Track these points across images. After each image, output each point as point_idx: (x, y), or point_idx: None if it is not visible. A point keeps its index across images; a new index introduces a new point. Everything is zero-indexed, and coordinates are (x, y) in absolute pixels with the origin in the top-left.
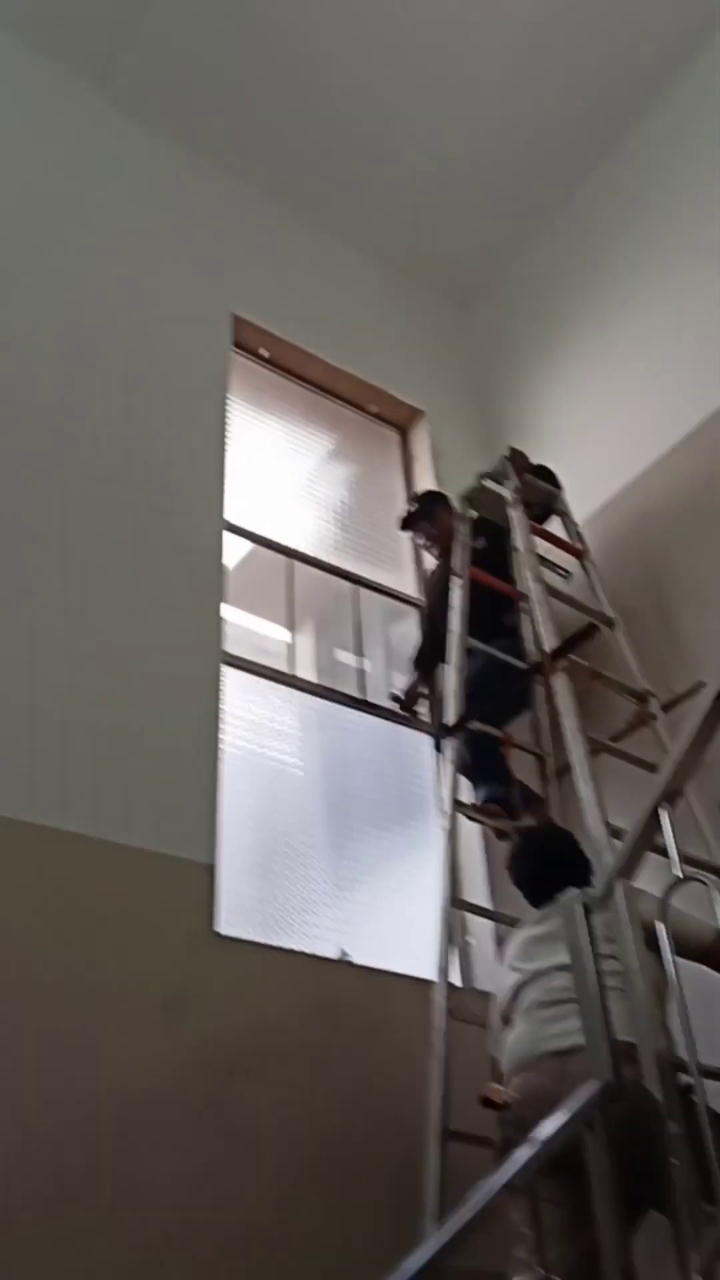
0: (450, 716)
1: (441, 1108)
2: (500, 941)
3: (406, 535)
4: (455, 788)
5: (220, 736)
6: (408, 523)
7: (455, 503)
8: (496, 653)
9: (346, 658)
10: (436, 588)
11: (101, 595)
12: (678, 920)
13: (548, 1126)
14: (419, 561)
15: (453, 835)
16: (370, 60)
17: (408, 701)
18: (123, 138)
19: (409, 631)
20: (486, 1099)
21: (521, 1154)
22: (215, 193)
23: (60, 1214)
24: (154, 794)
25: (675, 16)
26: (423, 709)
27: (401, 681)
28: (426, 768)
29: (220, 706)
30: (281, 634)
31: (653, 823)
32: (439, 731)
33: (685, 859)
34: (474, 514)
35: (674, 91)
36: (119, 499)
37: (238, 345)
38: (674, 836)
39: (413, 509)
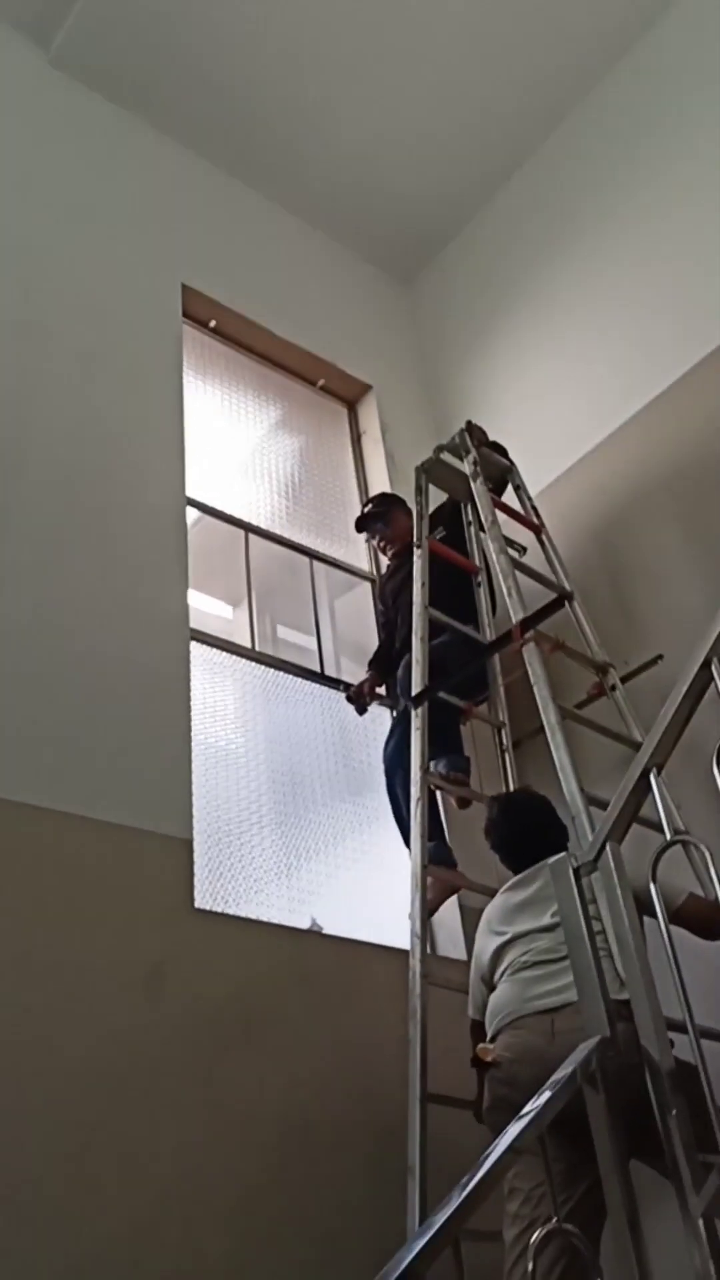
0: (416, 686)
1: (420, 1071)
2: (463, 910)
3: (361, 536)
4: (425, 757)
5: (192, 712)
6: (363, 524)
7: (412, 475)
8: (459, 626)
9: (287, 633)
10: (389, 591)
11: (68, 572)
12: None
13: (549, 1085)
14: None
15: (423, 803)
16: (317, 35)
17: (359, 698)
18: (68, 100)
19: (356, 602)
20: (476, 1059)
21: (524, 1114)
22: (162, 160)
23: (53, 1187)
24: (130, 770)
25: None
26: (373, 708)
27: (347, 664)
28: (380, 742)
29: (190, 682)
30: (221, 609)
31: (641, 787)
32: (412, 701)
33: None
34: (440, 495)
35: (619, 73)
36: (79, 474)
37: (186, 316)
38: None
39: (368, 510)
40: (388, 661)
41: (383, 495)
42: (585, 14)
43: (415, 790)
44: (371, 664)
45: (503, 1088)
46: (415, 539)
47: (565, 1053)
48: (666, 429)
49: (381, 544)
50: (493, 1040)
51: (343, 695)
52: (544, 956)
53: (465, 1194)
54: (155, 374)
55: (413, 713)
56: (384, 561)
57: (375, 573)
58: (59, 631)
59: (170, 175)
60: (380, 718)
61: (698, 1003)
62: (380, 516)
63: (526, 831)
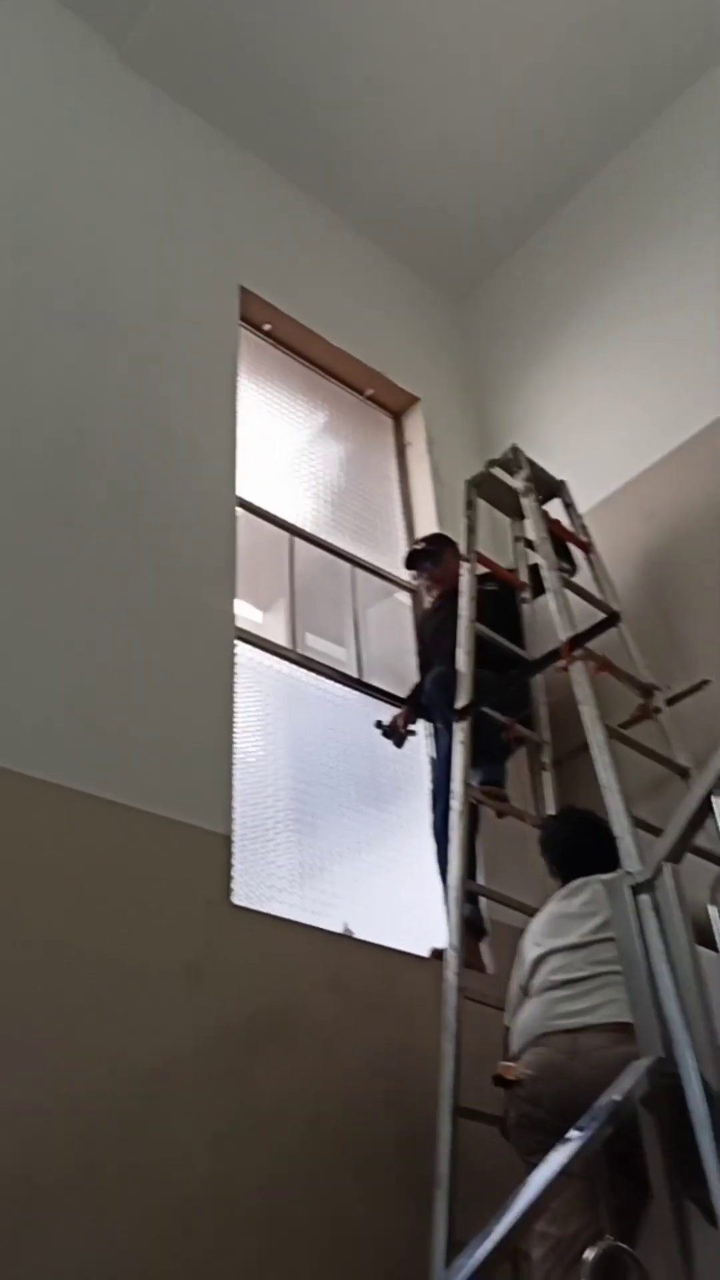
0: (461, 700)
1: (453, 1085)
2: (493, 924)
3: (410, 574)
4: (467, 770)
5: (235, 709)
6: (412, 560)
7: (455, 489)
8: (505, 643)
9: (315, 640)
10: (428, 630)
11: (121, 564)
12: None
13: (601, 1106)
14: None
15: (464, 816)
16: (386, 50)
17: (395, 733)
18: (136, 97)
19: (386, 613)
20: (499, 1077)
21: (576, 1136)
22: (225, 162)
23: (89, 1180)
24: (174, 763)
25: (691, 28)
26: (406, 745)
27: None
28: (415, 749)
29: (234, 681)
30: (251, 612)
31: (703, 810)
32: (456, 715)
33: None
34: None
35: (686, 99)
36: (136, 467)
37: (243, 318)
38: None
39: (419, 547)
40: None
41: (436, 535)
42: (654, 44)
43: (456, 804)
44: (407, 700)
45: (526, 1105)
46: (464, 554)
47: (587, 1070)
48: (716, 460)
49: (428, 583)
50: (517, 1059)
51: (376, 710)
52: (573, 975)
53: (523, 1210)
54: (212, 374)
55: (455, 727)
56: (426, 599)
57: (416, 599)
58: (110, 623)
59: (233, 177)
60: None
61: None
62: (431, 556)
63: (583, 842)
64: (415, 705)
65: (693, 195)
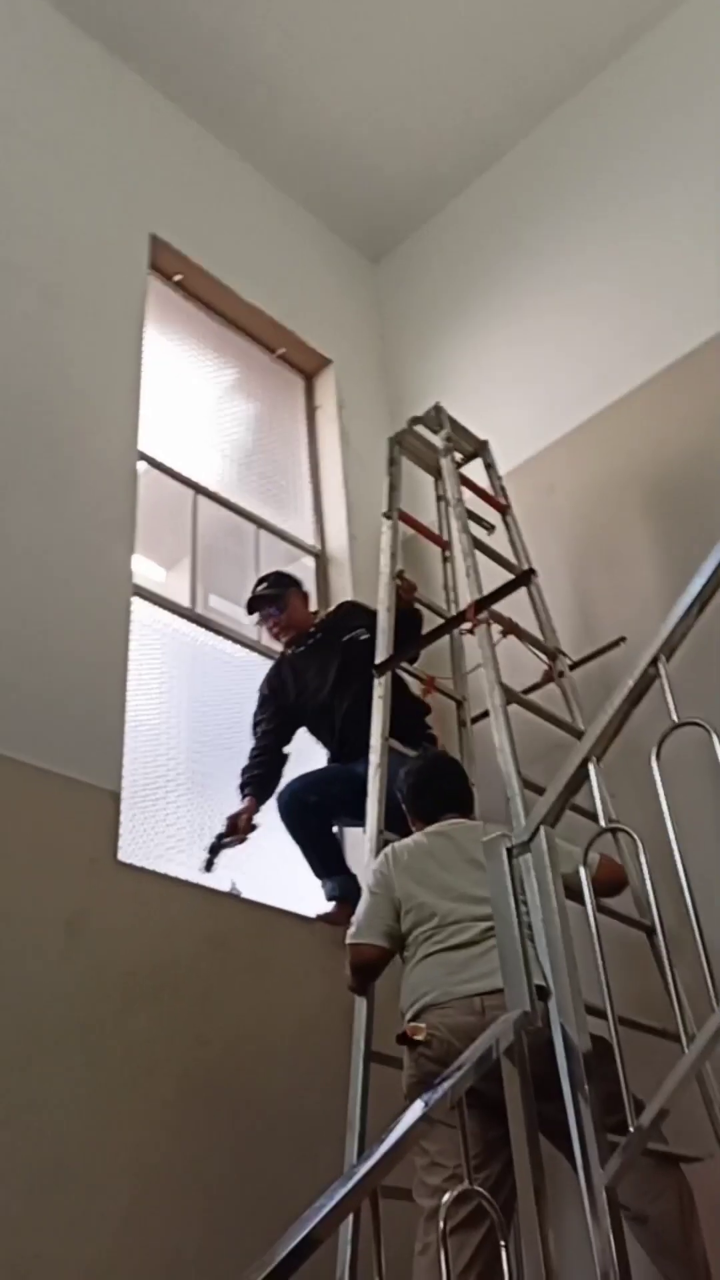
0: (380, 655)
1: (366, 1031)
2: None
3: (253, 619)
4: (385, 725)
5: (129, 667)
6: (254, 605)
7: (363, 454)
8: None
9: (218, 602)
10: (307, 680)
11: (14, 511)
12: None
13: (467, 1055)
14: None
15: (383, 769)
16: (312, 5)
17: (218, 848)
18: (51, 33)
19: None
20: (405, 1036)
21: (439, 1082)
22: (142, 106)
23: None
24: (65, 719)
25: (612, 6)
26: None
27: None
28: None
29: (129, 637)
30: (154, 570)
31: (579, 775)
32: (375, 670)
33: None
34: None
35: (606, 79)
36: (34, 413)
37: (153, 267)
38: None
39: (260, 590)
40: (263, 780)
41: (278, 575)
42: (581, 21)
43: (375, 757)
44: (247, 785)
45: (433, 1065)
46: (386, 512)
47: None
48: (617, 439)
49: (275, 629)
50: (414, 1019)
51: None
52: (464, 937)
53: (383, 1152)
54: (118, 321)
55: (375, 682)
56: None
57: (269, 641)
58: (1, 574)
59: (150, 123)
60: None
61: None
62: (274, 600)
63: (439, 781)
64: (260, 789)
65: (609, 177)
